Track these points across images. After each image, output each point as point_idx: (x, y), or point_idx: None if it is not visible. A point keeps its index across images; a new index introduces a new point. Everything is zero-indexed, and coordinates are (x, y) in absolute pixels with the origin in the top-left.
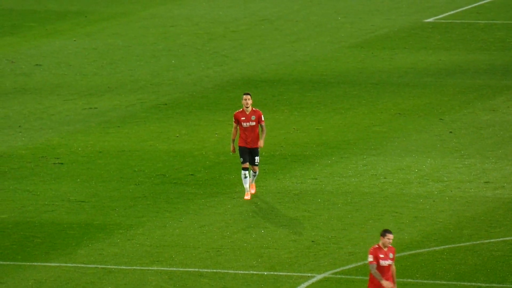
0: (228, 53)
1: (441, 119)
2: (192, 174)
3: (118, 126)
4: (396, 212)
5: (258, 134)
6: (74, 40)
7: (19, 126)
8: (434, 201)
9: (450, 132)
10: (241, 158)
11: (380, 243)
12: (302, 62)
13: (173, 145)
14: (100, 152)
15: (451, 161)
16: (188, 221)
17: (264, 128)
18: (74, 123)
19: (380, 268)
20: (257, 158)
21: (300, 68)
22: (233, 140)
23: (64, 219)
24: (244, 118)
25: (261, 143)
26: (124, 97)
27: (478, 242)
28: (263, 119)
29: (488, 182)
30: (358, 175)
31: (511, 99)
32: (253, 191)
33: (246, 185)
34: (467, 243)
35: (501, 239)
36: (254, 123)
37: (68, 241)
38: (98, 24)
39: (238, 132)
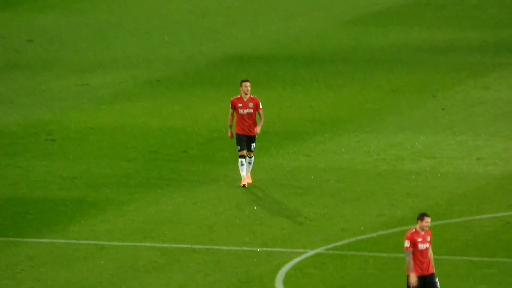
0: (222, 30)
1: (433, 96)
2: (185, 151)
3: (111, 103)
4: (389, 189)
5: (255, 121)
6: (66, 16)
7: (11, 102)
8: (426, 177)
9: (443, 109)
10: (238, 146)
11: (417, 227)
12: (296, 39)
13: (166, 122)
14: (92, 128)
15: (443, 138)
16: (181, 198)
17: (262, 115)
18: (66, 100)
19: (419, 252)
20: (253, 145)
21: (294, 45)
22: (230, 126)
23: (56, 196)
24: (241, 105)
25: (258, 129)
26: (116, 74)
27: (469, 218)
28: (261, 106)
29: (480, 158)
30: (351, 152)
31: (503, 77)
32: (249, 181)
33: (243, 173)
34: (459, 219)
35: (492, 215)
36: (251, 110)
37: (60, 217)
38: (91, 0)
39: (235, 118)
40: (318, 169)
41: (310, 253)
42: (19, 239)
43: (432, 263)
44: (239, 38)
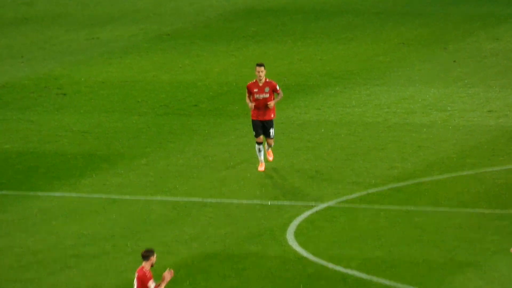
0: None
1: (444, 48)
2: (195, 105)
3: (121, 57)
4: (400, 142)
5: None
6: None
7: (22, 56)
8: (437, 130)
9: (454, 61)
10: (254, 132)
11: None
12: None
13: (176, 76)
14: (103, 82)
15: (454, 90)
16: (192, 152)
17: (281, 94)
18: (76, 54)
19: None
20: (271, 131)
21: None
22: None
23: (68, 150)
24: (257, 90)
25: (271, 104)
26: (126, 28)
27: (481, 170)
28: (278, 88)
29: (491, 111)
30: (362, 105)
31: None
32: (270, 158)
33: (261, 157)
34: (470, 172)
35: (504, 167)
36: (267, 95)
37: (72, 172)
38: None
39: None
40: (328, 122)
41: (321, 206)
42: (31, 193)
43: None
44: None
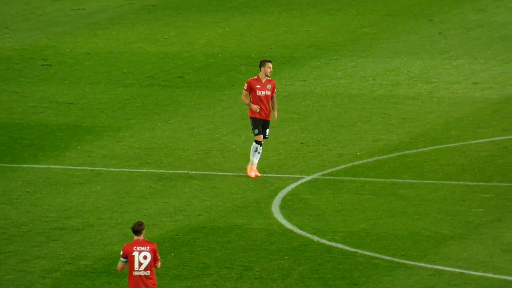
0: None
1: (430, 20)
2: (181, 76)
3: (106, 28)
4: (385, 114)
5: (270, 105)
6: None
7: (6, 27)
8: (422, 102)
9: (439, 33)
10: (256, 130)
11: None
12: None
13: (162, 47)
14: (88, 53)
15: (439, 62)
16: (177, 124)
17: (275, 99)
18: (62, 25)
19: None
20: (268, 131)
21: None
22: (249, 104)
23: (52, 121)
24: (259, 86)
25: (276, 114)
26: None
27: (465, 142)
28: (275, 90)
29: (476, 83)
30: (347, 77)
31: None
32: (254, 174)
33: (257, 160)
34: (455, 144)
35: (488, 139)
36: (269, 93)
37: (57, 143)
38: None
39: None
40: (314, 94)
41: (307, 178)
42: (16, 165)
43: None
44: None
